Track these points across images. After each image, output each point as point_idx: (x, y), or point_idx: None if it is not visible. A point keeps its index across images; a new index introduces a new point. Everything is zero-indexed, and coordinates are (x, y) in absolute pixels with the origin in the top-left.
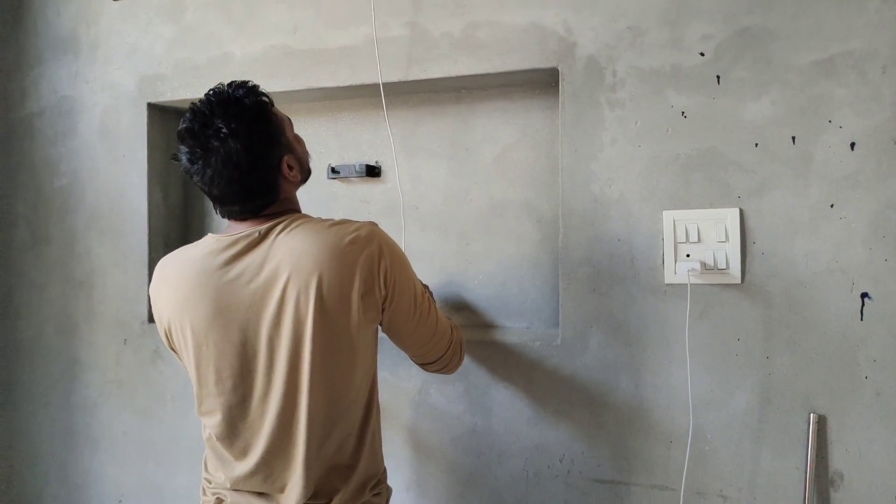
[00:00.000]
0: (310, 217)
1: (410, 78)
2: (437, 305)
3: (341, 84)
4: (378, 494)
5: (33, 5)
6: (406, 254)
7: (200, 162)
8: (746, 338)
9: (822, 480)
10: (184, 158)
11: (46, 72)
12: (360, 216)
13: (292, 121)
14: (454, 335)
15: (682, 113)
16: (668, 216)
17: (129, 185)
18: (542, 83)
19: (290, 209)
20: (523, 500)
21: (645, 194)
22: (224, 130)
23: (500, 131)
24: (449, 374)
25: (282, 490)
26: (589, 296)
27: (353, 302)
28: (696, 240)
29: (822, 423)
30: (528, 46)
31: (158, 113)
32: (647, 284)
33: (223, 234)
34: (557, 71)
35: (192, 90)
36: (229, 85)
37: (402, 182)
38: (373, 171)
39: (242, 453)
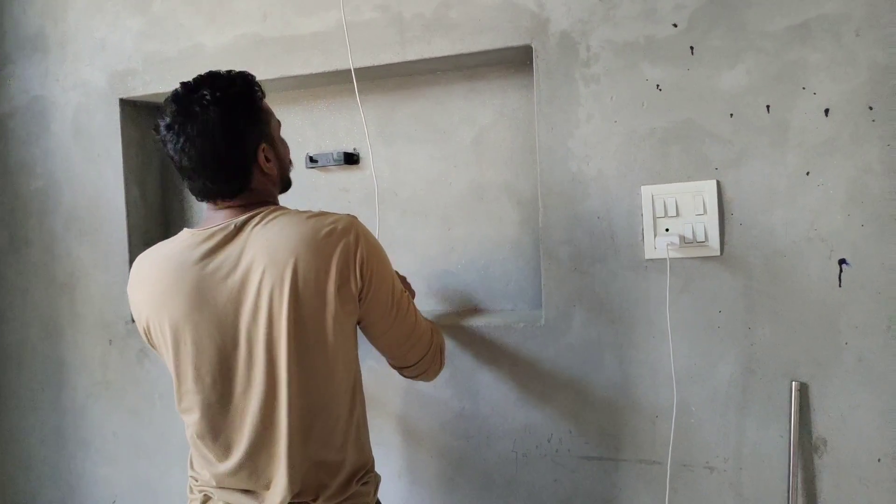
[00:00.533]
0: (287, 209)
1: (383, 62)
2: (422, 291)
3: (314, 71)
4: (366, 483)
5: None
6: (387, 241)
7: (177, 127)
8: (728, 309)
9: (807, 447)
10: (162, 125)
11: (16, 71)
12: (341, 205)
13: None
14: (434, 339)
15: (657, 86)
16: (647, 191)
17: (105, 185)
18: (516, 61)
19: (265, 201)
20: (513, 480)
21: (623, 170)
22: (208, 97)
23: (478, 112)
24: (427, 381)
25: (267, 486)
26: (571, 275)
27: (329, 294)
28: (675, 214)
29: (804, 390)
30: (500, 24)
31: (131, 108)
32: (628, 261)
33: (199, 228)
34: (531, 48)
35: (164, 83)
36: (225, 71)
37: (379, 168)
38: (351, 159)
39: (225, 450)
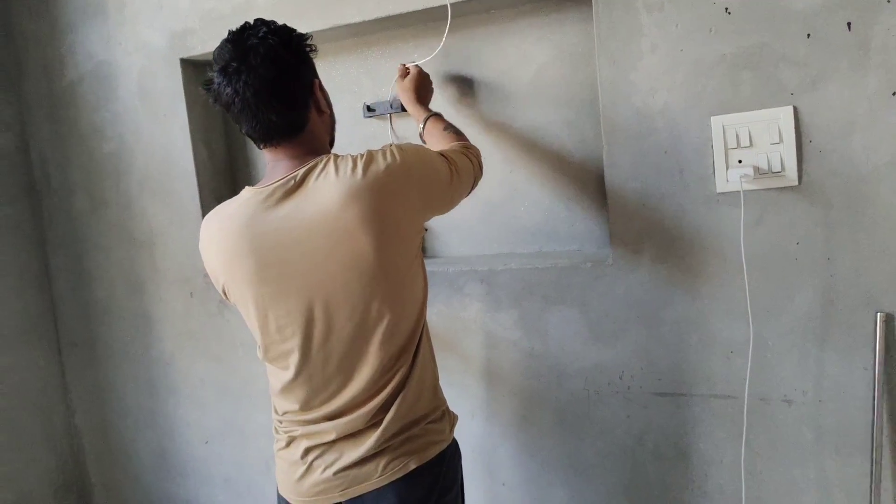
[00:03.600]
0: (340, 156)
1: (436, 4)
2: (484, 235)
3: (367, 18)
4: (438, 421)
5: None
6: None
7: (235, 65)
8: (806, 241)
9: (893, 380)
10: (216, 73)
11: (80, 38)
12: None
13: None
14: (473, 164)
15: (726, 9)
16: (717, 122)
17: (174, 145)
18: None
19: (320, 149)
20: (585, 417)
21: (690, 101)
22: (264, 30)
23: (534, 50)
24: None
25: (348, 411)
26: (638, 212)
27: (399, 226)
28: (748, 144)
29: (889, 321)
30: None
31: (192, 68)
32: (698, 195)
33: (260, 185)
34: None
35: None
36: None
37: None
38: None
39: (313, 393)
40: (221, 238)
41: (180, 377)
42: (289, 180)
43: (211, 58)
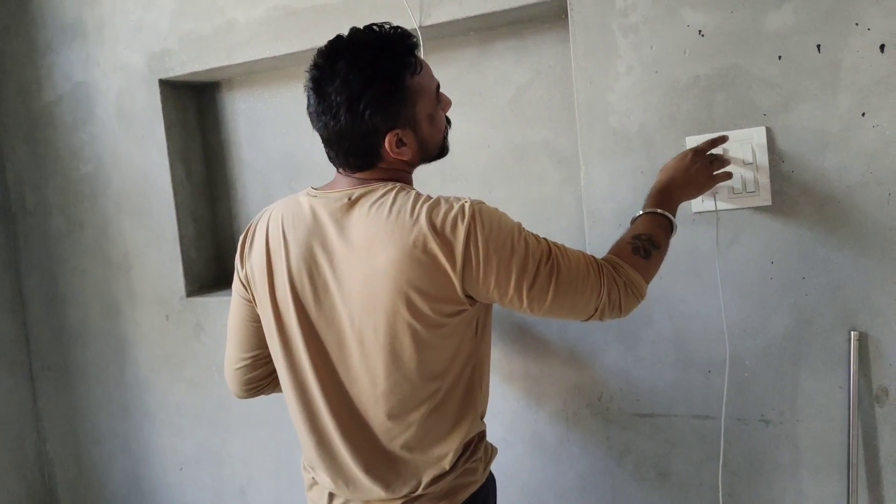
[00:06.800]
0: (402, 191)
1: (415, 25)
2: None
3: None
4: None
5: None
6: None
7: (312, 98)
8: (780, 260)
9: (867, 398)
10: (307, 87)
11: (58, 59)
12: None
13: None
14: (599, 278)
15: (700, 31)
16: (692, 142)
17: (151, 165)
18: (551, 16)
19: (394, 177)
20: (565, 439)
21: (666, 122)
22: (339, 80)
23: (513, 72)
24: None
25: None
26: (616, 232)
27: (426, 296)
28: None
29: (863, 339)
30: None
31: (171, 89)
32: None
33: (322, 189)
34: (566, 1)
35: (200, 62)
36: (381, 25)
37: None
38: None
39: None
40: (266, 238)
41: (155, 401)
42: (342, 198)
43: (189, 78)
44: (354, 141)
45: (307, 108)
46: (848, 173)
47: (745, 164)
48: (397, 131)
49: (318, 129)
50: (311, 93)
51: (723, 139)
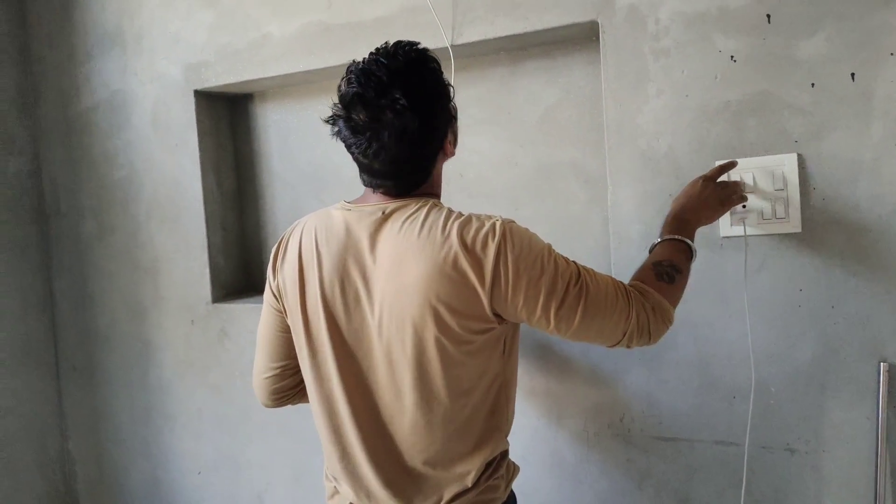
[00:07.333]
0: (435, 207)
1: (447, 44)
2: None
3: None
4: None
5: (79, 2)
6: None
7: (368, 133)
8: (809, 288)
9: (895, 430)
10: (344, 127)
11: (97, 67)
12: None
13: None
14: (628, 303)
15: (732, 57)
16: None
17: (183, 173)
18: (582, 38)
19: (423, 194)
20: (585, 459)
21: (695, 146)
22: (402, 102)
23: (543, 92)
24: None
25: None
26: (641, 254)
27: (454, 311)
28: (752, 189)
29: (893, 371)
30: (564, 0)
31: (205, 100)
32: (703, 239)
33: (355, 202)
34: (598, 24)
35: (235, 74)
36: (400, 47)
37: None
38: None
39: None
40: (302, 250)
41: (177, 405)
42: (376, 211)
43: (224, 90)
44: (424, 159)
45: (353, 146)
46: (880, 203)
47: (775, 189)
48: (450, 137)
49: (380, 164)
50: (368, 130)
51: (732, 164)
